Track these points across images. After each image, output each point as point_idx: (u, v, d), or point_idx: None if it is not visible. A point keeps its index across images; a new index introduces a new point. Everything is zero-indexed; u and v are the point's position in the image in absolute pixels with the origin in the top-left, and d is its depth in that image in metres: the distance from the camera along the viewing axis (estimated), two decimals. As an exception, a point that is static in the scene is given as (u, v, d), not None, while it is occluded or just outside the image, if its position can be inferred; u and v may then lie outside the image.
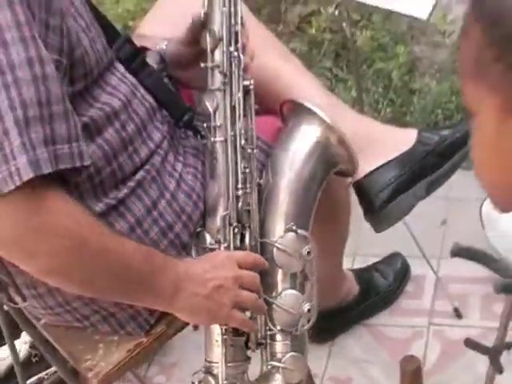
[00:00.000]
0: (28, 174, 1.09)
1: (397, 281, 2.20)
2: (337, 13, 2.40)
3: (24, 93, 1.09)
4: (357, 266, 2.29)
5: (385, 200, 1.66)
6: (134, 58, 1.41)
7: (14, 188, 1.09)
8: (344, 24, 2.49)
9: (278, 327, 1.42)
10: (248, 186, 1.39)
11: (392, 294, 2.19)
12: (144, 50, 1.49)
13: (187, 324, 1.42)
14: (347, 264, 2.21)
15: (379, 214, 1.68)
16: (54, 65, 1.14)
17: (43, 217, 1.12)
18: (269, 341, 1.42)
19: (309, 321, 1.43)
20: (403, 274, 2.22)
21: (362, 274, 2.18)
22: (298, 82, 1.67)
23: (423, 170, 1.66)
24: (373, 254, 2.30)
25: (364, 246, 2.33)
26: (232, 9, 1.44)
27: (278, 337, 1.42)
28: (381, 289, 2.18)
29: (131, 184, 1.33)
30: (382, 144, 1.65)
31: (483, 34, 0.85)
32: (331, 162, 1.51)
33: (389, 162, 1.64)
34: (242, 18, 1.44)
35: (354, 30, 2.90)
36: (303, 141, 1.48)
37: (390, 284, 2.19)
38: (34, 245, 1.13)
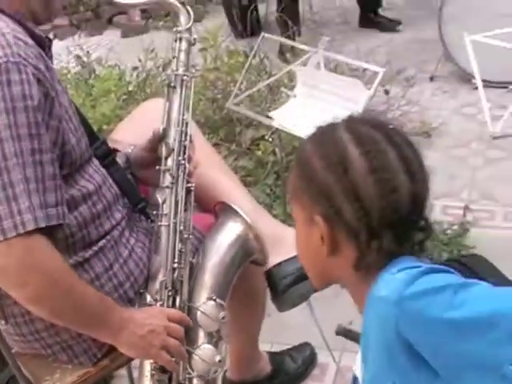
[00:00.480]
0: (30, 226, 1.54)
1: (304, 365, 2.63)
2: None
3: (28, 172, 1.56)
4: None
5: (287, 285, 2.12)
6: (106, 156, 1.88)
7: (16, 235, 1.54)
8: (277, 149, 2.96)
9: (195, 372, 1.84)
10: (182, 262, 1.84)
11: (299, 376, 2.62)
12: (115, 151, 1.96)
13: (129, 361, 1.85)
14: (266, 348, 2.65)
15: (282, 296, 2.15)
16: (50, 154, 1.60)
17: (34, 257, 1.56)
18: (187, 382, 1.84)
19: (219, 370, 1.86)
20: (310, 361, 2.65)
21: (275, 357, 2.61)
22: (230, 190, 2.16)
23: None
24: (287, 342, 2.74)
25: (281, 336, 2.77)
26: (183, 128, 1.93)
27: (195, 380, 1.85)
28: (290, 370, 2.61)
29: (95, 248, 1.77)
30: (290, 243, 2.11)
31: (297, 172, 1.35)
32: (248, 252, 1.97)
33: (294, 256, 2.11)
34: (190, 136, 1.93)
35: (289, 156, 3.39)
36: (228, 234, 1.95)
37: (298, 367, 2.62)
38: (25, 277, 1.56)
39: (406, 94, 4.34)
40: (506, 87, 4.22)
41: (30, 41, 1.65)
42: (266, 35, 2.84)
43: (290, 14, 5.03)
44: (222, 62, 4.24)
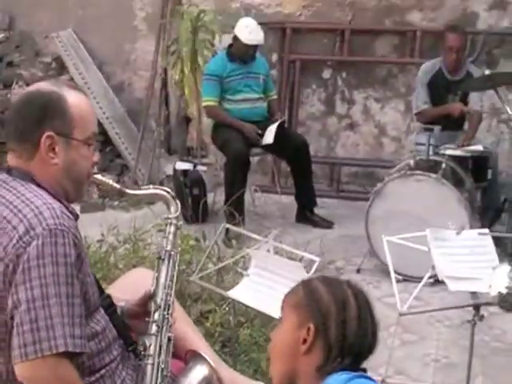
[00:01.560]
0: (62, 349, 2.09)
1: None
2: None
3: (63, 310, 2.12)
4: None
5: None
6: (110, 307, 2.45)
7: (50, 354, 2.08)
8: (231, 318, 3.54)
9: None
10: (162, 393, 2.39)
11: None
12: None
13: None
14: None
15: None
16: (79, 299, 2.17)
17: (62, 373, 2.11)
18: None
19: None
20: None
21: None
22: (197, 342, 2.74)
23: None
24: None
25: None
26: (169, 291, 2.52)
27: None
28: None
29: (97, 375, 2.31)
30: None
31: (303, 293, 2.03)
32: (212, 392, 2.52)
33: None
34: (173, 300, 2.52)
35: (238, 328, 3.96)
36: (197, 374, 2.50)
37: None
38: None
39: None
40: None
41: (69, 215, 2.25)
42: (229, 226, 3.50)
43: (236, 207, 5.74)
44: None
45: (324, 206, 6.72)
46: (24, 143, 2.31)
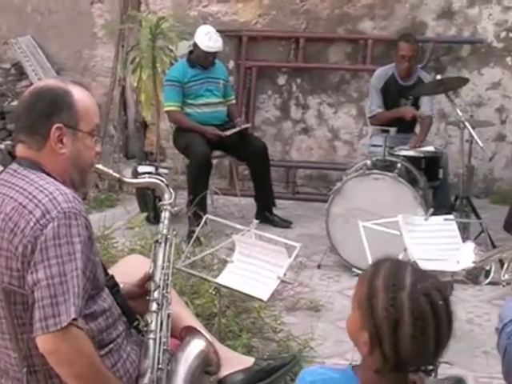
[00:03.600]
0: (73, 315, 2.25)
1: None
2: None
3: (78, 282, 2.29)
4: None
5: (237, 390, 2.87)
6: (114, 286, 2.63)
7: (67, 324, 2.24)
8: (216, 302, 3.73)
9: None
10: (163, 365, 2.57)
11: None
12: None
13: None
14: None
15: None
16: (90, 274, 2.35)
17: (81, 344, 2.27)
18: None
19: None
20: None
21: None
22: (191, 321, 2.93)
23: (258, 378, 2.89)
24: None
25: None
26: (166, 271, 2.71)
27: None
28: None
29: (106, 349, 2.48)
30: (235, 361, 2.88)
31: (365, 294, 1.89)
32: (207, 363, 2.71)
33: (239, 370, 2.86)
34: (171, 279, 2.72)
35: (213, 317, 4.14)
36: (194, 347, 2.69)
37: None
38: (73, 356, 2.26)
39: (298, 278, 5.23)
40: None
41: (79, 199, 2.43)
42: (210, 217, 3.71)
43: (199, 208, 5.92)
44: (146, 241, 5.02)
45: (281, 208, 6.95)
46: (35, 135, 2.48)
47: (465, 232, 5.07)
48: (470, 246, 2.46)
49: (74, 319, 2.26)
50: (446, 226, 3.50)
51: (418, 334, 1.81)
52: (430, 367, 1.90)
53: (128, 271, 2.86)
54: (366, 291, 1.88)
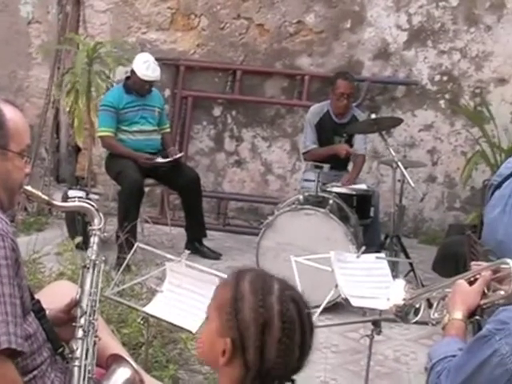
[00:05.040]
0: (5, 346, 2.18)
1: None
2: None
3: (7, 309, 2.21)
4: None
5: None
6: (39, 311, 2.55)
7: None
8: (144, 331, 3.66)
9: None
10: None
11: None
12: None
13: None
14: None
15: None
16: (19, 300, 2.27)
17: (5, 371, 2.19)
18: None
19: None
20: None
21: None
22: (118, 350, 2.85)
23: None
24: None
25: None
26: (94, 297, 2.64)
27: None
28: None
29: (30, 376, 2.40)
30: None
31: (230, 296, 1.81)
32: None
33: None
34: (98, 306, 2.65)
35: (139, 348, 4.07)
36: (120, 376, 2.62)
37: None
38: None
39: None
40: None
41: (7, 220, 2.36)
42: (141, 245, 3.64)
43: (129, 236, 5.84)
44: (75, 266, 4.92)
45: (211, 239, 6.90)
46: None
47: (394, 270, 5.10)
48: (401, 283, 2.46)
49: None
50: (377, 264, 3.52)
51: (285, 339, 1.78)
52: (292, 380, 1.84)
53: (55, 297, 2.79)
54: (230, 295, 1.82)
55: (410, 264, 5.56)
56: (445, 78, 7.28)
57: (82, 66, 6.82)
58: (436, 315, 2.40)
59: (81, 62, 6.86)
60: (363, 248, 3.80)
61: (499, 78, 7.21)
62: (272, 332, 1.77)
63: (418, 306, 2.52)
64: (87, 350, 2.55)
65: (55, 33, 7.57)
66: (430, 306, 2.46)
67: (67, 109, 7.00)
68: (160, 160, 6.38)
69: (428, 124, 7.35)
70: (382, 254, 3.70)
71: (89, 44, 7.02)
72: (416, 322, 2.60)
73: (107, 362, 2.69)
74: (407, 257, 5.72)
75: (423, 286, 5.19)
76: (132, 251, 3.72)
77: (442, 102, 7.32)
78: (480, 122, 6.97)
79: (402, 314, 2.48)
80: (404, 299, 2.46)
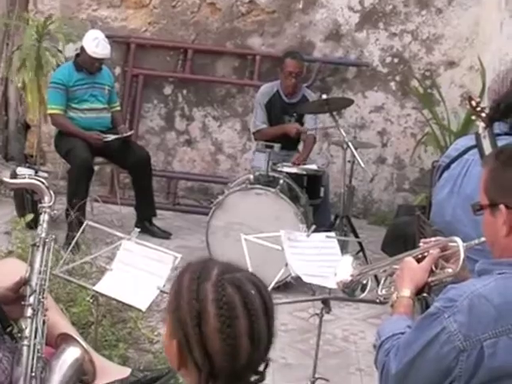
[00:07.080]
0: None
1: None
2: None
3: None
4: None
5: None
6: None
7: None
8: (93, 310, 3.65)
9: None
10: (36, 373, 2.48)
11: None
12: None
13: None
14: None
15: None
16: None
17: None
18: None
19: None
20: None
21: None
22: (68, 329, 2.84)
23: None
24: None
25: None
26: (43, 276, 2.63)
27: None
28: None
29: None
30: (111, 370, 2.81)
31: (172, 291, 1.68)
32: (82, 372, 2.64)
33: (114, 381, 2.80)
34: (47, 285, 2.64)
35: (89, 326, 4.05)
36: (69, 356, 2.62)
37: None
38: None
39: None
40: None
41: None
42: (91, 223, 3.62)
43: (78, 215, 5.80)
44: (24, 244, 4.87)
45: (161, 218, 6.88)
46: None
47: (343, 250, 5.15)
48: (349, 259, 2.49)
49: None
50: (327, 243, 3.55)
51: (225, 328, 1.59)
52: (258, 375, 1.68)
53: (3, 275, 2.76)
54: (173, 292, 1.65)
55: (360, 244, 5.62)
56: (396, 60, 7.34)
57: (31, 42, 6.73)
58: (383, 292, 2.43)
59: (30, 39, 6.77)
60: (313, 227, 3.83)
61: (449, 60, 7.29)
62: (208, 322, 1.60)
63: (365, 282, 2.56)
64: (36, 329, 2.53)
65: (4, 9, 7.43)
66: (378, 283, 2.49)
67: (19, 85, 6.90)
68: (108, 138, 6.33)
69: (378, 105, 7.41)
70: (333, 234, 3.74)
71: (38, 20, 6.92)
72: (364, 300, 2.63)
73: (56, 342, 2.68)
74: (356, 237, 5.77)
75: (372, 265, 5.28)
76: (81, 229, 3.69)
77: (392, 83, 7.37)
78: (430, 105, 7.05)
79: (349, 290, 2.51)
80: (351, 275, 2.49)
